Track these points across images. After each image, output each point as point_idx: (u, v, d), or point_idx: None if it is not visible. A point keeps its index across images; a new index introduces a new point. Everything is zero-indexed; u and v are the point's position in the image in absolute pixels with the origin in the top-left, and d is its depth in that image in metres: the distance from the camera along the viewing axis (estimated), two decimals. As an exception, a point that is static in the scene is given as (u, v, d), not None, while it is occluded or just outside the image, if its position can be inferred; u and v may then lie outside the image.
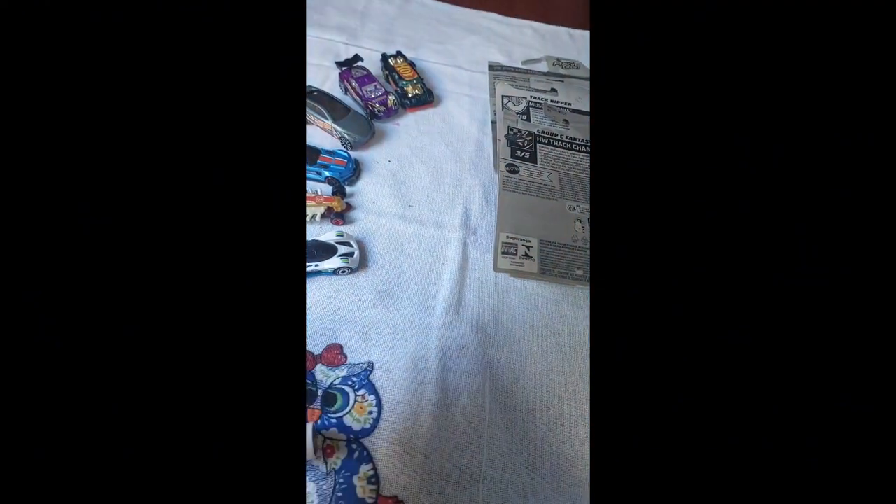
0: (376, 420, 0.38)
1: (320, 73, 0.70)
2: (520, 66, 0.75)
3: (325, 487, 0.34)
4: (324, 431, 0.36)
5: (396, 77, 0.70)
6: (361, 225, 0.54)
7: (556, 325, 0.48)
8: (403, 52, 0.74)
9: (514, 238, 0.48)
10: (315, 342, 0.41)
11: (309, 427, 0.34)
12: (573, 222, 0.51)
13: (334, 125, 0.61)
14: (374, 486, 0.35)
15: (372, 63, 0.72)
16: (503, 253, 0.47)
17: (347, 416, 0.37)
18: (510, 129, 0.61)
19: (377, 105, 0.65)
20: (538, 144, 0.60)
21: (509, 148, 0.59)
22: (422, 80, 0.70)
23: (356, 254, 0.48)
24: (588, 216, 0.53)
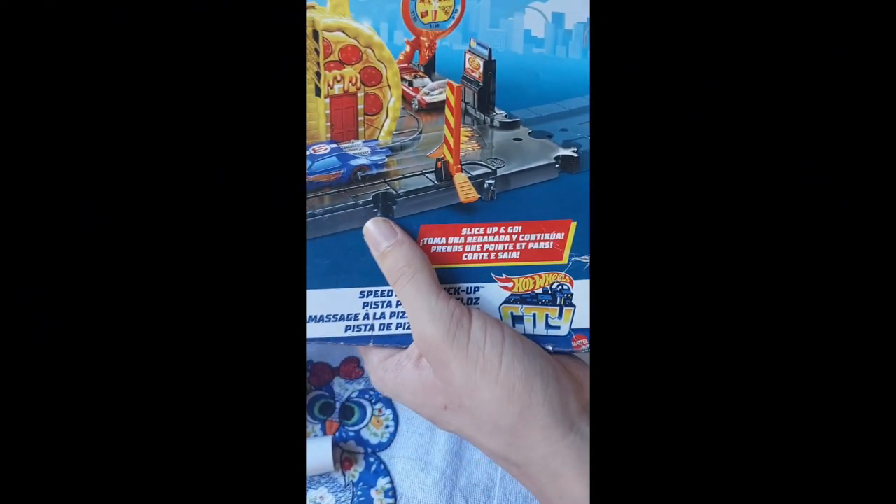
0: (393, 434, 0.39)
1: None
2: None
3: (343, 499, 0.36)
4: (342, 444, 0.38)
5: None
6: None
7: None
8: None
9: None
10: (333, 356, 0.42)
11: (329, 439, 0.36)
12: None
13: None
14: (391, 500, 0.36)
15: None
16: None
17: (365, 429, 0.38)
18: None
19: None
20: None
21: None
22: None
23: None
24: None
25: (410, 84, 0.32)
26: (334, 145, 0.31)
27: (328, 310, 0.30)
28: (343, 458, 0.37)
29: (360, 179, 0.31)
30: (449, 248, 0.31)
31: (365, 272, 0.30)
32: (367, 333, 0.31)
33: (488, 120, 0.32)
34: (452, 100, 0.31)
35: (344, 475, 0.36)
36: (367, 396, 0.40)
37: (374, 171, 0.31)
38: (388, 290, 0.30)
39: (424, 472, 0.37)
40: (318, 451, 0.35)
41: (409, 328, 0.30)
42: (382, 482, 0.37)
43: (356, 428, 0.38)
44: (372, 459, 0.37)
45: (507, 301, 0.31)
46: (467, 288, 0.31)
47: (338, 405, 0.39)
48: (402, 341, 0.30)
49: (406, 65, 0.31)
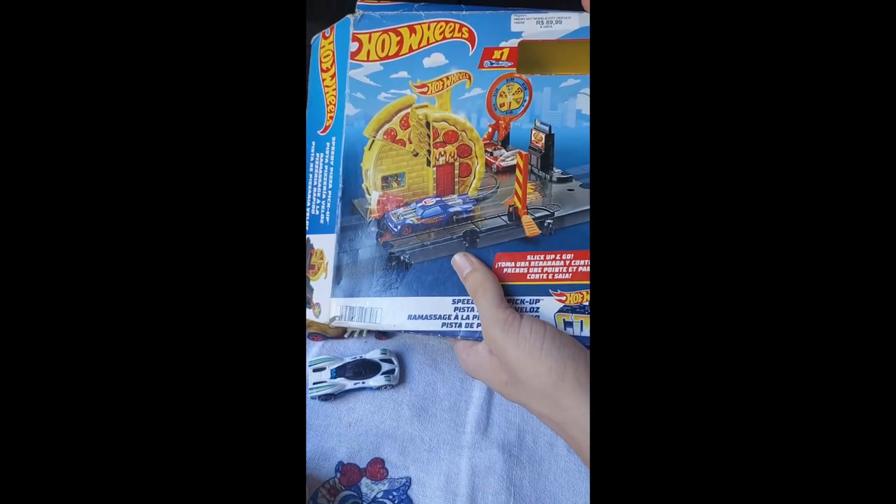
0: (414, 533, 0.40)
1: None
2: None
3: None
4: None
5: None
6: (401, 339, 0.57)
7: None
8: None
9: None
10: (361, 456, 0.46)
11: None
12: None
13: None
14: None
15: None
16: None
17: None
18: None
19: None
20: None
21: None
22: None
23: (397, 371, 0.52)
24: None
25: (491, 154, 0.44)
26: (438, 198, 0.44)
27: (430, 311, 0.43)
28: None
29: (455, 221, 0.43)
30: (517, 270, 0.42)
31: (457, 286, 0.42)
32: (457, 329, 0.42)
33: (548, 176, 0.43)
34: (521, 163, 0.43)
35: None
36: (391, 497, 0.43)
37: (465, 216, 0.43)
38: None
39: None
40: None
41: None
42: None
43: (382, 527, 0.41)
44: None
45: (560, 310, 0.41)
46: (530, 300, 0.41)
47: (365, 505, 0.42)
48: (482, 336, 0.41)
49: (488, 140, 0.44)
